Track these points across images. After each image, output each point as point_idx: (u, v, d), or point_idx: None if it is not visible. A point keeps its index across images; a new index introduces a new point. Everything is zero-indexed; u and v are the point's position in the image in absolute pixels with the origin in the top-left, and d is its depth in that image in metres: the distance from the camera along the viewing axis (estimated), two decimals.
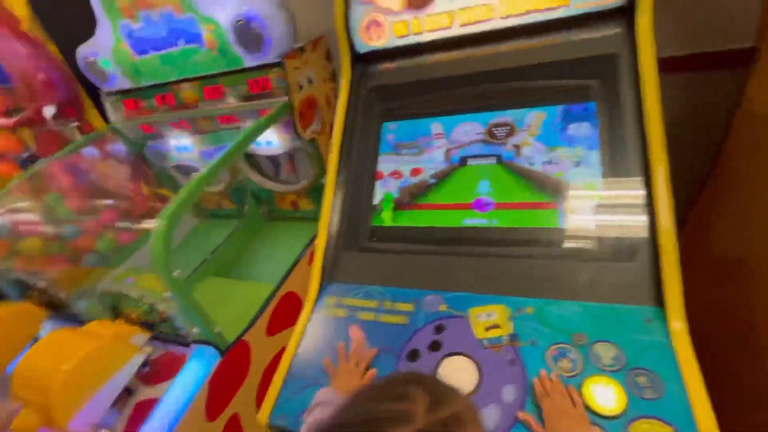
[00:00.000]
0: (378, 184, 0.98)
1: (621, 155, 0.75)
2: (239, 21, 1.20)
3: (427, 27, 0.91)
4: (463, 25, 0.89)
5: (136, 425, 0.94)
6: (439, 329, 0.72)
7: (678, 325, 0.61)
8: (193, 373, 0.99)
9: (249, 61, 1.30)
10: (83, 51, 1.50)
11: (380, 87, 1.01)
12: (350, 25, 0.97)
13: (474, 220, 0.87)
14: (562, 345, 0.64)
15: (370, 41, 0.97)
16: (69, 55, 1.57)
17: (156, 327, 1.05)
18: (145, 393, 1.01)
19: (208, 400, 1.01)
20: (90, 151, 1.78)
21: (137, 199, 1.89)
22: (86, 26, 1.44)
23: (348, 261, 0.90)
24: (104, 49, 1.47)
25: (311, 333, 0.81)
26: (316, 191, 1.64)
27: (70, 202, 1.73)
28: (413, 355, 0.70)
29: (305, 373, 0.74)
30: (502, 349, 0.66)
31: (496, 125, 0.91)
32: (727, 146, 1.06)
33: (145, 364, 1.01)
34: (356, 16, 0.96)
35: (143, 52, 1.42)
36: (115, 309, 1.08)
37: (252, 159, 1.71)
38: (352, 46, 1.00)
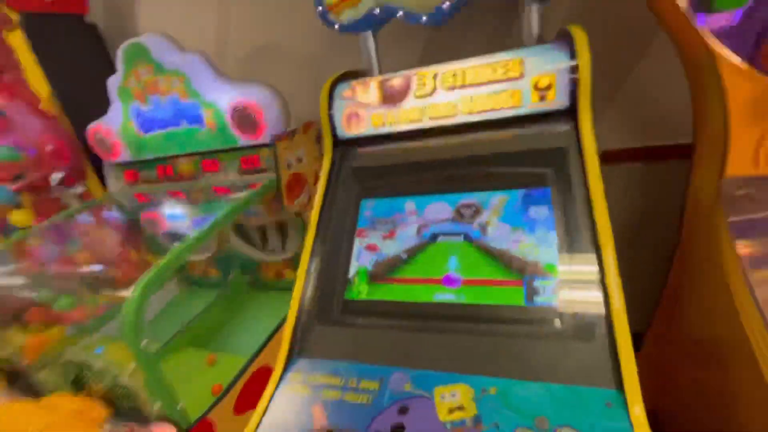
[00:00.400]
0: (354, 257, 1.02)
1: (575, 237, 0.81)
2: (237, 108, 1.34)
3: (401, 120, 1.03)
4: (432, 118, 1.00)
5: None
6: (403, 411, 0.71)
7: (638, 410, 0.61)
8: None
9: (243, 141, 1.43)
10: (93, 127, 1.64)
11: (359, 168, 1.10)
12: (333, 114, 1.09)
13: (444, 296, 0.89)
14: (524, 430, 0.63)
15: (349, 130, 1.08)
16: (80, 131, 1.70)
17: (118, 403, 1.01)
18: None
19: None
20: (85, 218, 1.85)
21: (124, 265, 1.90)
22: (101, 107, 1.59)
23: (319, 335, 0.90)
24: (113, 126, 1.60)
25: (273, 413, 0.78)
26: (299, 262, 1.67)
27: (55, 267, 1.74)
28: None
29: None
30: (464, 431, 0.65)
31: (464, 206, 0.98)
32: (683, 231, 1.13)
33: None
34: (338, 108, 1.08)
35: (149, 130, 1.55)
36: (77, 381, 1.04)
37: (241, 228, 1.77)
38: (334, 133, 1.11)
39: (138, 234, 1.89)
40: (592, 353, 0.69)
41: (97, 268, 1.82)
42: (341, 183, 1.10)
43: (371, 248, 1.03)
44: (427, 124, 1.02)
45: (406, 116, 1.02)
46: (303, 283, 0.96)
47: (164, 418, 0.98)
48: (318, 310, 0.94)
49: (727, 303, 0.83)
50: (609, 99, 1.36)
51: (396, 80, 1.02)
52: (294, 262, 1.72)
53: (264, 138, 1.39)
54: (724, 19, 0.82)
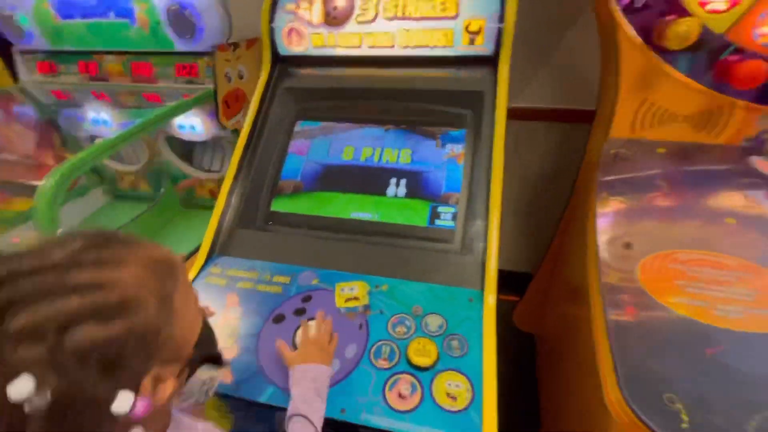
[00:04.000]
0: (282, 171, 1.07)
1: (476, 175, 0.93)
2: (173, 6, 1.26)
3: (341, 43, 1.05)
4: (371, 47, 1.04)
5: None
6: (306, 299, 0.82)
7: (491, 299, 0.76)
8: None
9: (180, 46, 1.35)
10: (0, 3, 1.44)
11: (297, 89, 1.12)
12: (274, 27, 1.08)
13: (360, 214, 0.99)
14: (402, 315, 0.77)
15: (290, 46, 1.09)
16: None
17: None
18: None
19: None
20: None
21: (40, 169, 1.77)
22: None
23: (242, 238, 0.97)
24: (23, 5, 1.42)
25: None
26: None
27: None
28: (278, 319, 0.78)
29: None
30: (356, 316, 0.77)
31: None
32: (576, 186, 1.32)
33: None
34: (280, 22, 1.07)
35: (68, 16, 1.40)
36: None
37: (174, 143, 1.71)
38: (273, 48, 1.10)
39: (55, 134, 1.75)
40: (467, 264, 0.83)
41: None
42: (277, 100, 1.12)
43: (300, 152, 1.08)
44: (365, 51, 1.05)
45: (347, 40, 1.05)
46: (228, 189, 1.00)
47: None
48: (242, 216, 1.00)
49: (588, 250, 1.01)
50: (542, 62, 1.46)
51: (340, 1, 1.03)
52: None
53: (202, 46, 1.33)
54: None
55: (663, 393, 0.61)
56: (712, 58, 0.90)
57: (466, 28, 0.97)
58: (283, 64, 1.14)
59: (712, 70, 0.91)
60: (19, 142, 1.74)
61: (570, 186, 1.37)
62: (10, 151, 1.71)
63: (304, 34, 1.06)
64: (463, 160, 0.98)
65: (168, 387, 0.39)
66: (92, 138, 1.72)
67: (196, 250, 1.40)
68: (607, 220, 0.91)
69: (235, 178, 1.02)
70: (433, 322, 0.75)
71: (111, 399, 0.34)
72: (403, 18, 0.99)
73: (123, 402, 0.34)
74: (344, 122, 1.11)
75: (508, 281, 1.72)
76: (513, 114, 1.05)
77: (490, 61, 0.98)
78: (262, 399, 0.67)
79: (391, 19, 1.00)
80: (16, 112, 1.72)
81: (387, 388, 0.66)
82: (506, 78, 0.96)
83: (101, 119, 1.64)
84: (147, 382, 0.37)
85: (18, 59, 1.57)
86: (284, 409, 0.61)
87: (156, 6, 1.28)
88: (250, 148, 1.07)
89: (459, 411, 0.63)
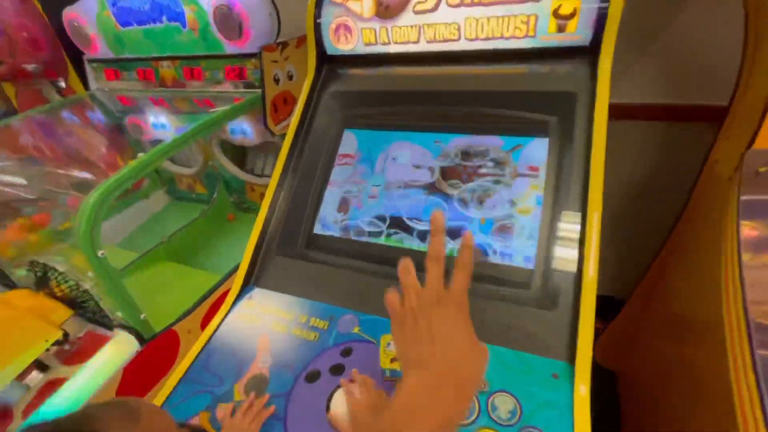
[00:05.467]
0: (327, 191, 0.95)
1: (565, 192, 0.72)
2: (220, 6, 1.18)
3: (395, 38, 0.89)
4: (430, 41, 0.86)
5: (41, 401, 0.90)
6: (346, 352, 0.69)
7: (584, 389, 0.57)
8: (108, 357, 0.95)
9: (230, 49, 1.28)
10: (69, 14, 1.48)
11: (345, 93, 0.98)
12: (321, 23, 0.94)
13: (414, 242, 0.84)
14: None
15: (338, 44, 0.95)
16: (53, 17, 1.55)
17: (81, 305, 1.02)
18: (60, 372, 0.98)
19: (120, 387, 0.97)
20: (69, 116, 1.76)
21: (111, 171, 1.85)
22: None
23: (280, 267, 0.87)
24: (89, 15, 1.45)
25: (220, 337, 0.77)
26: None
27: (47, 163, 1.68)
28: (313, 377, 0.66)
29: (200, 379, 0.70)
30: None
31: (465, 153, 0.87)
32: (691, 201, 1.03)
33: (62, 342, 0.98)
34: (327, 16, 0.93)
35: (126, 23, 1.40)
36: (42, 281, 1.04)
37: (228, 147, 1.68)
38: (320, 47, 0.97)
39: (123, 139, 1.81)
40: (550, 322, 0.64)
41: (85, 174, 1.77)
42: (323, 106, 0.99)
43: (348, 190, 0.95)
44: (424, 47, 0.87)
45: (403, 35, 0.88)
46: (267, 212, 0.90)
47: (126, 327, 0.99)
48: (281, 241, 0.89)
49: (715, 281, 0.76)
50: (640, 51, 1.17)
51: None
52: None
53: (251, 47, 1.25)
54: None
55: None
56: None
57: (555, 11, 0.75)
58: (331, 64, 1.01)
59: None
60: (94, 145, 1.82)
61: (676, 198, 1.08)
62: (88, 154, 1.80)
63: (353, 29, 0.92)
64: (543, 181, 0.77)
65: None
66: (155, 142, 1.76)
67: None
68: (752, 245, 0.66)
69: (275, 196, 0.92)
70: (503, 405, 0.57)
71: None
72: (473, 4, 0.80)
73: None
74: (397, 130, 0.95)
75: None
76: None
77: (585, 53, 0.76)
78: None
79: (457, 5, 0.81)
80: (89, 117, 1.80)
81: None
82: (608, 74, 0.73)
83: (160, 123, 1.66)
84: None
85: (88, 68, 1.63)
86: None
87: (204, 7, 1.22)
88: (292, 161, 0.96)
89: None
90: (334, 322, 0.74)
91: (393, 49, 0.90)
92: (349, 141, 0.99)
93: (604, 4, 0.72)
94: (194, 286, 1.27)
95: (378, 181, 0.92)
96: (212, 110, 1.45)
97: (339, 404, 0.62)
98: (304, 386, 0.65)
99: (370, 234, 0.87)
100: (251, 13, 1.18)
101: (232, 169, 1.69)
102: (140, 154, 1.00)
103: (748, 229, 0.71)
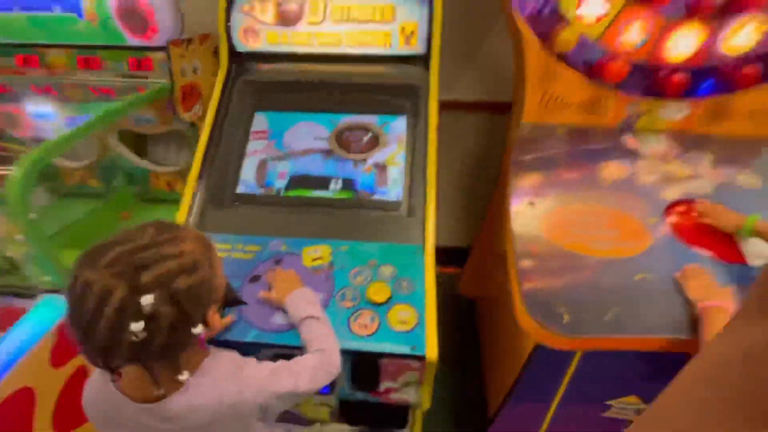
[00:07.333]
0: (246, 160, 1.19)
1: (418, 150, 1.12)
2: (125, 0, 1.30)
3: (294, 41, 1.19)
4: (321, 45, 1.18)
5: None
6: (278, 261, 0.96)
7: (429, 256, 0.96)
8: (39, 318, 1.02)
9: (132, 41, 1.39)
10: None
11: (253, 81, 1.23)
12: (231, 26, 1.18)
13: (322, 192, 1.14)
14: (360, 267, 0.93)
15: (246, 43, 1.20)
16: None
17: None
18: None
19: (54, 346, 1.04)
20: None
21: None
22: None
23: (213, 217, 1.08)
24: None
25: None
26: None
27: None
28: (254, 279, 0.92)
29: None
30: (322, 272, 0.93)
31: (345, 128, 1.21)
32: (503, 165, 1.56)
33: None
34: (236, 21, 1.18)
35: (7, 8, 1.38)
36: None
37: (127, 136, 1.72)
38: (231, 45, 1.21)
39: None
40: (411, 225, 1.02)
41: None
42: (236, 93, 1.23)
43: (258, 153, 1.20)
44: (316, 49, 1.19)
45: (299, 38, 1.18)
46: (198, 173, 1.10)
47: (53, 290, 1.06)
48: (211, 198, 1.10)
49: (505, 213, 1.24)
50: (468, 61, 1.69)
51: (291, 5, 1.16)
52: (185, 174, 1.77)
53: (155, 41, 1.38)
54: (532, 5, 1.15)
55: (552, 304, 0.83)
56: (589, 59, 1.16)
57: (402, 30, 1.15)
58: (240, 59, 1.25)
59: (591, 68, 1.18)
60: None
61: (496, 165, 1.61)
62: None
63: (260, 32, 1.18)
64: (405, 144, 1.16)
65: (216, 320, 0.60)
66: (33, 140, 1.67)
67: None
68: (519, 189, 1.14)
69: (203, 164, 1.12)
70: (386, 270, 0.92)
71: (195, 323, 0.53)
72: (348, 21, 1.15)
73: (199, 327, 0.53)
74: (300, 111, 1.25)
75: (451, 256, 1.97)
76: (445, 106, 1.25)
77: (423, 59, 1.17)
78: (248, 339, 0.80)
79: (338, 21, 1.15)
80: None
81: (351, 320, 0.83)
82: (437, 72, 1.16)
83: (44, 113, 1.61)
84: (207, 315, 0.57)
85: None
86: (268, 346, 0.75)
87: (106, 1, 1.32)
88: (213, 137, 1.17)
89: (409, 330, 0.81)
90: (265, 246, 1.00)
91: (293, 49, 1.20)
92: (261, 121, 1.25)
93: (430, 28, 1.14)
94: None
95: (286, 150, 1.20)
96: (111, 98, 1.51)
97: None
98: (249, 286, 0.90)
99: (284, 188, 1.14)
100: (157, 9, 1.33)
101: (134, 159, 1.74)
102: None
103: (515, 178, 1.18)
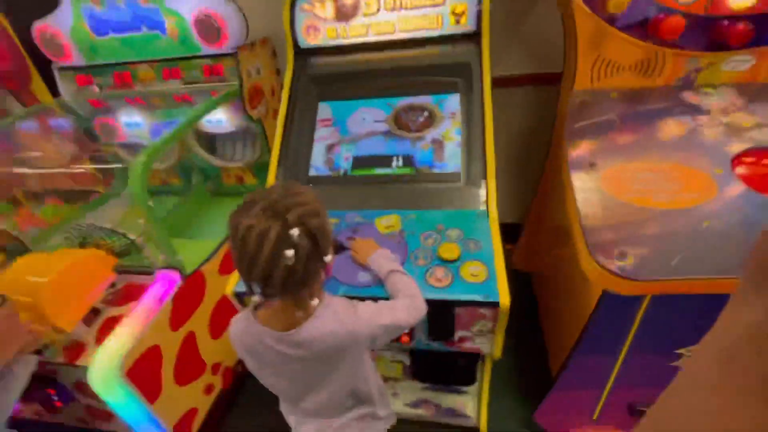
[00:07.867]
0: (315, 146, 1.32)
1: (473, 124, 1.19)
2: (201, 16, 1.47)
3: (351, 33, 1.29)
4: (375, 34, 1.28)
5: (105, 334, 1.14)
6: (355, 230, 1.07)
7: (493, 219, 1.03)
8: (161, 290, 1.21)
9: (206, 50, 1.57)
10: (40, 25, 1.63)
11: (316, 75, 1.36)
12: (295, 26, 1.31)
13: (384, 170, 1.25)
14: (429, 231, 1.03)
15: (308, 40, 1.32)
16: (23, 31, 1.67)
17: (122, 255, 1.25)
18: (111, 312, 1.21)
19: (172, 313, 1.23)
20: (29, 126, 1.85)
21: (77, 177, 1.96)
22: (46, 6, 1.59)
23: None
24: (63, 27, 1.62)
25: None
26: (259, 167, 1.92)
27: None
28: (339, 249, 1.04)
29: None
30: (395, 237, 1.03)
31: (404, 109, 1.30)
32: (554, 138, 1.58)
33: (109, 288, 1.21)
34: (299, 20, 1.30)
35: (103, 33, 1.60)
36: (82, 245, 1.25)
37: (200, 137, 1.93)
38: (295, 43, 1.34)
39: (89, 142, 1.94)
40: (473, 194, 1.10)
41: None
42: (302, 87, 1.36)
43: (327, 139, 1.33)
44: (371, 38, 1.29)
45: (356, 30, 1.29)
46: (276, 162, 1.25)
47: (168, 267, 1.26)
48: (287, 179, 1.24)
49: (565, 195, 1.26)
50: (514, 33, 1.71)
51: (348, 0, 1.26)
52: (253, 168, 1.96)
53: (226, 48, 1.55)
54: None
55: (618, 250, 0.88)
56: (644, 17, 1.16)
57: (453, 11, 1.21)
58: (302, 55, 1.38)
59: (644, 27, 1.18)
60: (56, 153, 1.93)
61: (546, 139, 1.63)
62: (44, 163, 1.90)
63: (320, 29, 1.30)
64: (460, 120, 1.24)
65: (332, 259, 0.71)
66: (124, 146, 1.92)
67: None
68: (577, 155, 1.17)
69: (280, 152, 1.27)
70: (453, 233, 1.01)
71: (325, 252, 0.66)
72: (401, 9, 1.24)
73: (329, 256, 0.68)
74: (359, 99, 1.36)
75: (502, 232, 2.00)
76: (494, 83, 1.30)
77: (473, 37, 1.23)
78: (339, 294, 0.93)
79: (392, 9, 1.24)
80: (53, 125, 1.91)
81: (427, 275, 0.92)
82: (488, 48, 1.21)
83: (134, 122, 1.85)
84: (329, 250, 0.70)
85: (57, 75, 1.77)
86: (357, 299, 0.87)
87: (184, 17, 1.50)
88: (287, 128, 1.31)
89: (481, 282, 0.89)
90: (342, 218, 1.12)
91: (350, 41, 1.31)
92: (325, 110, 1.37)
93: (480, 6, 1.20)
94: (196, 249, 1.51)
95: (350, 134, 1.31)
96: (190, 104, 1.71)
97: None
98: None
99: (350, 169, 1.26)
100: (227, 19, 1.49)
101: (208, 157, 1.94)
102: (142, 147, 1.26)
103: (572, 150, 1.21)
